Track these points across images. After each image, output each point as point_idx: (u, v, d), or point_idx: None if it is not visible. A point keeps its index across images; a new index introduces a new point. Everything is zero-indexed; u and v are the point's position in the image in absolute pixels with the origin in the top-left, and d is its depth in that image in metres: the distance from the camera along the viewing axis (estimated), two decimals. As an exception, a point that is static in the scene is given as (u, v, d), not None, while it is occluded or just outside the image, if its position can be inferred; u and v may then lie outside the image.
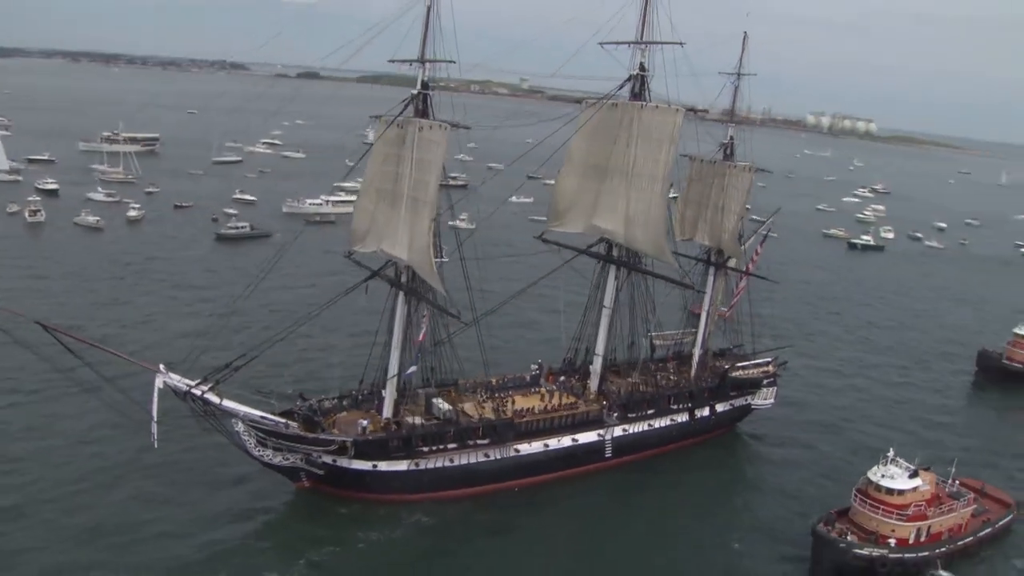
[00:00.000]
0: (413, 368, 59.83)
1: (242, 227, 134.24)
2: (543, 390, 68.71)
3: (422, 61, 55.65)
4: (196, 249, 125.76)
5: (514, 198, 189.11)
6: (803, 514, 62.42)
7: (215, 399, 52.52)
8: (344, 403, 61.49)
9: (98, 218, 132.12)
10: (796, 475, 70.43)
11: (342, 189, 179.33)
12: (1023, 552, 61.38)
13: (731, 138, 76.41)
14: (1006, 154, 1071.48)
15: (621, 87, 66.29)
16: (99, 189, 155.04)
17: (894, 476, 57.07)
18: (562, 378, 71.89)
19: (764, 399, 78.40)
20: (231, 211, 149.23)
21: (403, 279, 58.90)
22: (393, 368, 59.75)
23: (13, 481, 55.73)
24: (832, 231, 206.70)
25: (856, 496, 57.89)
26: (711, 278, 77.96)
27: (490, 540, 55.80)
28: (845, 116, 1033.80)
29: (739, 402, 76.99)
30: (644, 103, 65.68)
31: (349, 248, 62.34)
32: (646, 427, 69.16)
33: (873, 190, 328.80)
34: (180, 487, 56.86)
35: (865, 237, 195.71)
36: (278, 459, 55.38)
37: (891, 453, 58.86)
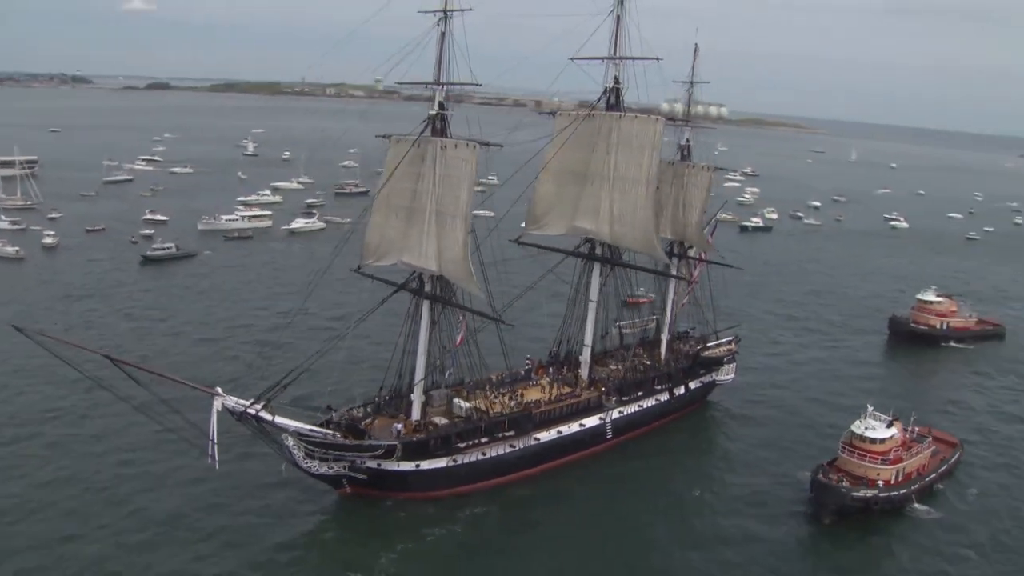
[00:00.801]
0: (451, 370, 63.71)
1: (168, 248, 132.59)
2: (543, 382, 73.64)
3: (439, 84, 59.49)
4: (127, 273, 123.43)
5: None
6: (783, 466, 71.20)
7: (268, 416, 55.04)
8: (368, 410, 64.55)
9: (16, 248, 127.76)
10: (766, 436, 78.60)
11: (247, 204, 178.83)
12: (973, 482, 71.36)
13: (688, 140, 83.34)
14: (844, 131, 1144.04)
15: (599, 100, 72.25)
16: (3, 217, 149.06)
17: (875, 427, 65.44)
18: (551, 370, 77.01)
19: (726, 375, 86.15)
20: (147, 231, 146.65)
21: (427, 288, 62.56)
22: (420, 373, 63.35)
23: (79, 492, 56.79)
24: (721, 215, 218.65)
25: (843, 447, 65.85)
26: (674, 269, 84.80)
27: (533, 523, 60.47)
28: (698, 101, 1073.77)
29: (707, 379, 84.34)
30: (622, 114, 71.66)
31: (360, 262, 65.53)
32: (637, 408, 75.26)
33: (744, 173, 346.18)
34: (236, 498, 59.01)
35: (755, 219, 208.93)
36: (324, 468, 58.03)
37: (870, 408, 67.31)
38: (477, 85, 59.62)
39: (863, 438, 65.18)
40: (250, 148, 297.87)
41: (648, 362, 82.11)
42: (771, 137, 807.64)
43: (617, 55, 71.23)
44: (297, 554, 54.41)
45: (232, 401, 53.58)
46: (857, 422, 66.76)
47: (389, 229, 62.78)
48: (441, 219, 59.81)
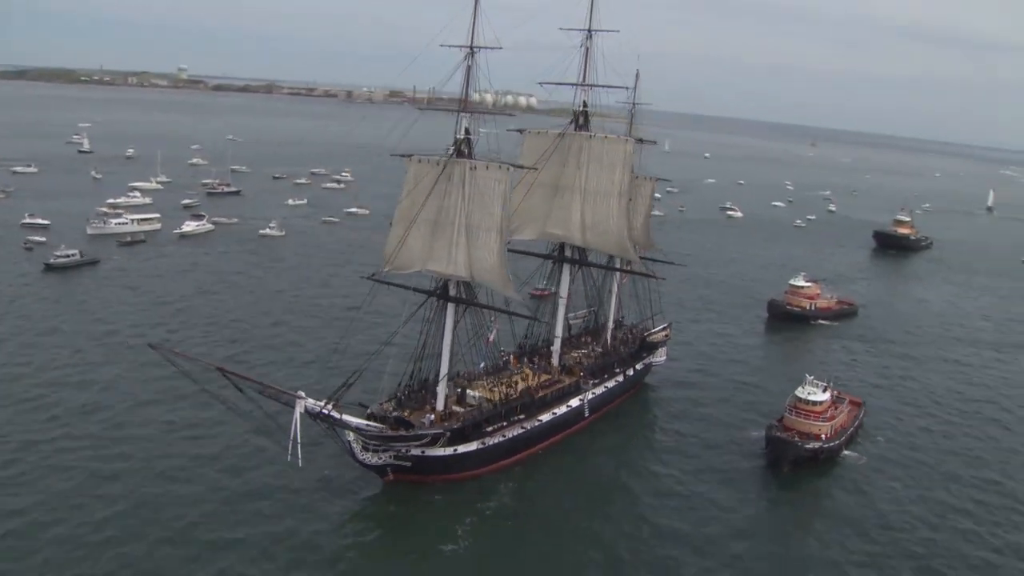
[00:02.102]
0: (483, 365, 71.77)
1: (71, 255, 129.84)
2: (527, 370, 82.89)
3: (465, 111, 67.44)
4: (30, 283, 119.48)
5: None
6: (728, 430, 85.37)
7: (337, 415, 61.60)
8: (393, 404, 71.53)
9: None
10: (701, 407, 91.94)
11: (116, 206, 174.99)
12: (877, 431, 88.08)
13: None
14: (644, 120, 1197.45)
15: (571, 122, 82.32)
16: None
17: (815, 392, 79.87)
18: (525, 360, 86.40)
19: (660, 357, 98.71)
20: (38, 238, 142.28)
21: (452, 292, 70.36)
22: (445, 368, 71.11)
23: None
24: None
25: (789, 409, 79.82)
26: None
27: (550, 492, 70.17)
28: (508, 92, 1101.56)
29: (647, 361, 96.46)
30: (592, 134, 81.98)
31: (379, 270, 72.20)
32: (603, 389, 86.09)
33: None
34: (312, 492, 64.88)
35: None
36: (374, 459, 64.97)
37: (809, 377, 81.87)
38: (510, 115, 67.45)
39: (806, 401, 79.51)
40: (85, 144, 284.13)
41: (599, 348, 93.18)
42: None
43: (586, 82, 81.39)
44: (361, 532, 61.54)
45: (312, 403, 59.73)
46: (800, 388, 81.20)
47: (412, 240, 69.74)
48: (473, 232, 67.68)
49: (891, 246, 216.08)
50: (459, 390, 74.02)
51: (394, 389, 71.98)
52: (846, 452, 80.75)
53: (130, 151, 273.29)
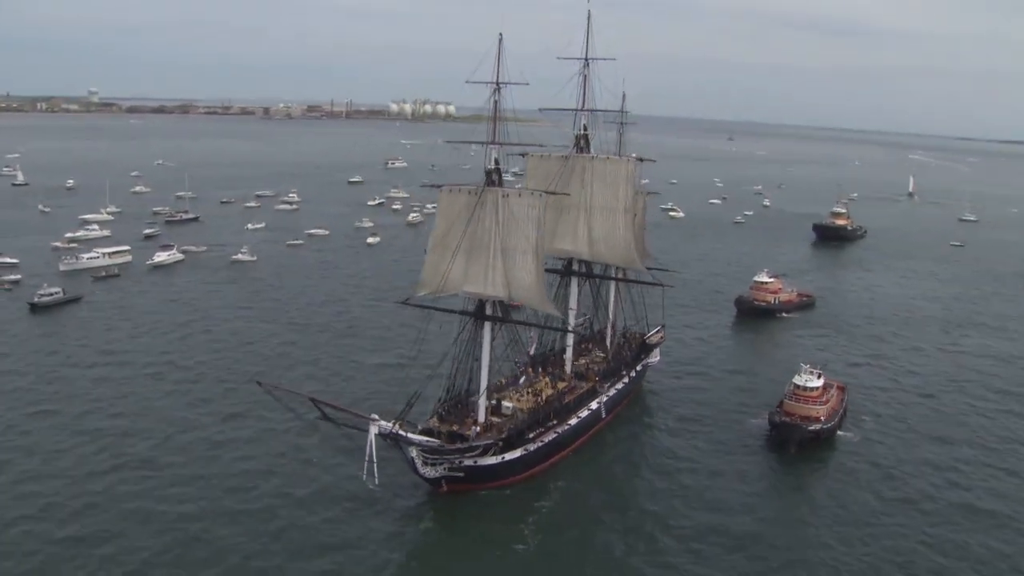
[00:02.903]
0: (523, 378, 76.75)
1: (55, 293, 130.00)
2: (545, 379, 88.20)
3: (495, 143, 72.57)
4: (20, 324, 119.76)
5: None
6: (729, 418, 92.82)
7: (404, 433, 66.22)
8: (436, 419, 76.04)
9: None
10: (699, 399, 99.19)
11: (75, 240, 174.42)
12: (862, 411, 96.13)
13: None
14: (556, 119, 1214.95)
15: (573, 147, 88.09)
16: None
17: (811, 379, 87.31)
18: (539, 368, 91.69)
19: (655, 358, 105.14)
20: (11, 277, 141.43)
21: (488, 311, 75.31)
22: (484, 382, 76.02)
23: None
24: None
25: (790, 395, 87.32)
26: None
27: (585, 489, 75.74)
28: (426, 101, 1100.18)
29: (645, 363, 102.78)
30: (595, 155, 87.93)
31: (414, 295, 76.98)
32: (614, 391, 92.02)
33: (516, 173, 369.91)
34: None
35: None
36: (432, 472, 69.57)
37: (806, 366, 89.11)
38: (522, 153, 72.73)
39: (804, 388, 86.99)
40: (20, 177, 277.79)
41: (601, 353, 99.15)
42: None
43: (585, 107, 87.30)
44: (444, 537, 66.71)
45: (384, 425, 64.24)
46: (796, 376, 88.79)
47: (449, 265, 74.41)
48: (509, 254, 72.73)
49: (830, 237, 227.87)
50: (493, 401, 78.88)
51: (434, 405, 76.55)
52: (840, 432, 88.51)
53: (70, 182, 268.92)
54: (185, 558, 60.38)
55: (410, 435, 66.63)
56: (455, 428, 73.22)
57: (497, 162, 73.50)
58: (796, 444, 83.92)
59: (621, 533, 67.88)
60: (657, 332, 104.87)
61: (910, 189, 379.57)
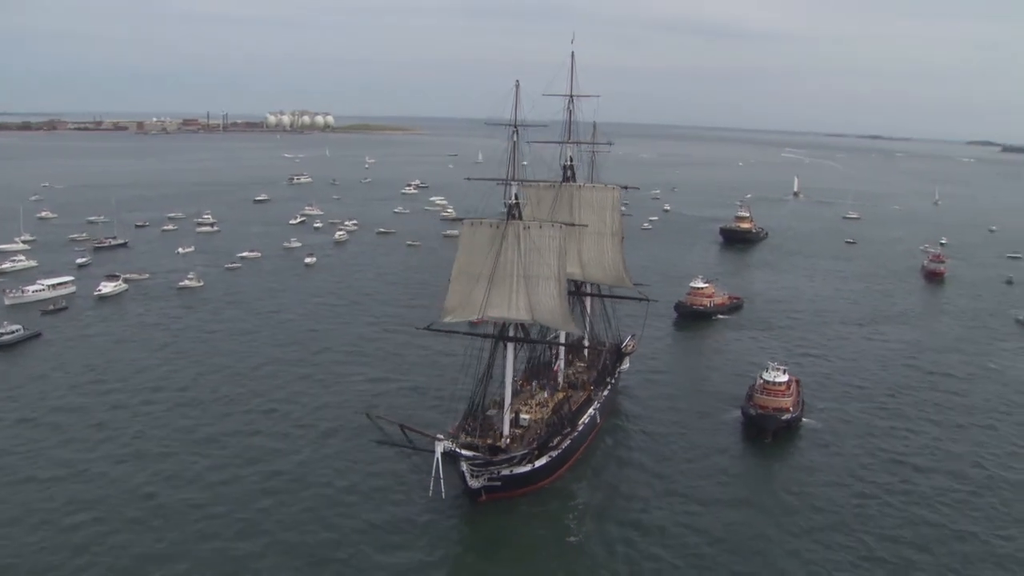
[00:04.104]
0: (547, 392, 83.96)
1: (16, 330, 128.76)
2: (539, 389, 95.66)
3: (515, 180, 79.82)
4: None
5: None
6: (700, 412, 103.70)
7: (459, 451, 72.83)
8: (463, 434, 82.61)
9: None
10: (669, 399, 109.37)
11: (4, 272, 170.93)
12: (815, 401, 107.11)
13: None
14: (439, 128, 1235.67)
15: (563, 178, 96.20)
16: None
17: (779, 374, 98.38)
18: (534, 380, 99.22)
19: (626, 365, 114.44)
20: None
21: (510, 333, 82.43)
22: (508, 398, 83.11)
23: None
24: (450, 232, 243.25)
25: (761, 390, 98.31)
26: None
27: (601, 487, 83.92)
28: (304, 112, 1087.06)
29: (620, 369, 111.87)
30: (581, 184, 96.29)
31: (438, 320, 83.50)
32: (604, 397, 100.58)
33: (417, 186, 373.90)
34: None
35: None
36: (475, 483, 76.26)
37: (773, 364, 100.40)
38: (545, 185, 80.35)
39: (774, 382, 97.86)
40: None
41: (582, 363, 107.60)
42: (390, 142, 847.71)
43: (571, 139, 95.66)
44: (512, 537, 74.35)
45: (448, 444, 70.80)
46: (766, 372, 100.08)
47: (471, 292, 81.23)
48: (532, 281, 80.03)
49: (736, 240, 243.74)
50: (514, 414, 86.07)
51: (460, 422, 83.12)
52: (805, 420, 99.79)
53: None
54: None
55: (464, 452, 73.09)
56: (489, 442, 79.96)
57: (517, 197, 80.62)
58: (771, 433, 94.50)
59: (638, 526, 75.83)
60: (630, 341, 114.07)
61: (795, 189, 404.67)
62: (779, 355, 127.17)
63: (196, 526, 72.62)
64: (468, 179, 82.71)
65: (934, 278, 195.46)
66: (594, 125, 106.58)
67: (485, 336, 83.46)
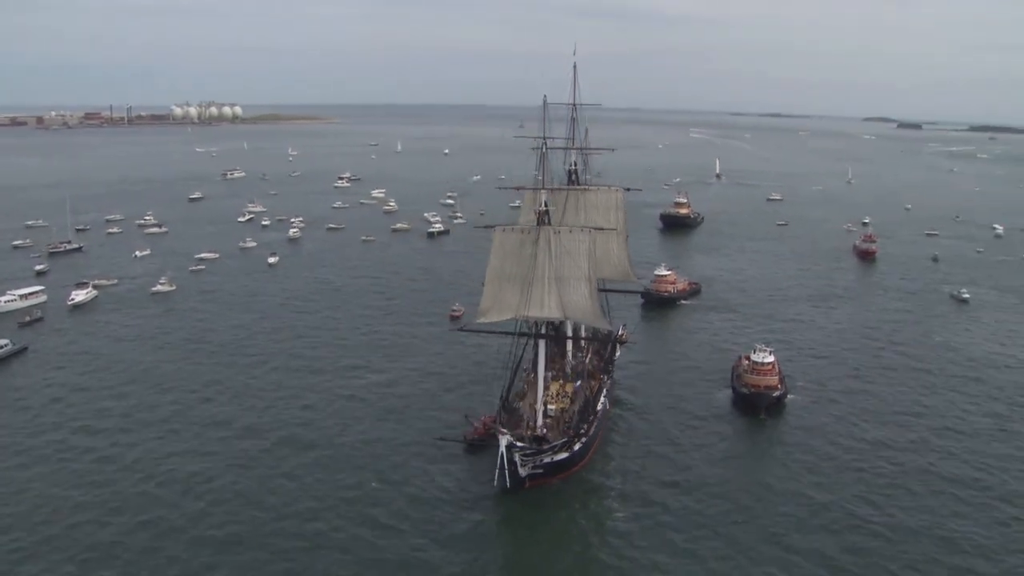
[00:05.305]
0: (579, 383, 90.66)
1: (3, 344, 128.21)
2: (561, 380, 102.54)
3: (545, 188, 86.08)
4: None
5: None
6: (691, 391, 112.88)
7: (515, 442, 79.15)
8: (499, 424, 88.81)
9: None
10: (659, 382, 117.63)
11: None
12: (796, 379, 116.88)
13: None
14: (352, 115, 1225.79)
15: (568, 181, 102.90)
16: None
17: (766, 355, 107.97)
18: (549, 373, 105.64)
19: (618, 353, 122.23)
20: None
21: (543, 331, 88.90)
22: (541, 392, 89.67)
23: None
24: (398, 225, 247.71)
25: (751, 369, 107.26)
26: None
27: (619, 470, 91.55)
28: (211, 103, 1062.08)
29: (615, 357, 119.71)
30: (586, 187, 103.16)
31: (472, 321, 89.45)
32: (608, 383, 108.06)
33: (349, 179, 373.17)
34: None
35: (437, 224, 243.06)
36: (523, 471, 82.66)
37: (759, 345, 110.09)
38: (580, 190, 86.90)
39: (762, 363, 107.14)
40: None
41: (580, 353, 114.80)
42: (300, 133, 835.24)
43: (576, 146, 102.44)
44: (572, 516, 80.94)
45: (509, 438, 77.10)
46: (754, 353, 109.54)
47: (503, 293, 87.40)
48: (564, 282, 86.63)
49: (676, 225, 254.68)
50: (543, 406, 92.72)
51: (496, 415, 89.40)
52: (790, 396, 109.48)
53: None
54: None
55: (517, 443, 79.48)
56: (531, 432, 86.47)
57: (546, 204, 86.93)
58: (764, 409, 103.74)
59: (665, 504, 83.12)
60: (623, 330, 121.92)
61: (717, 171, 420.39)
62: (745, 336, 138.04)
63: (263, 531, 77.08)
64: (499, 188, 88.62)
65: (867, 257, 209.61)
66: (586, 131, 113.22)
67: (520, 335, 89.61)
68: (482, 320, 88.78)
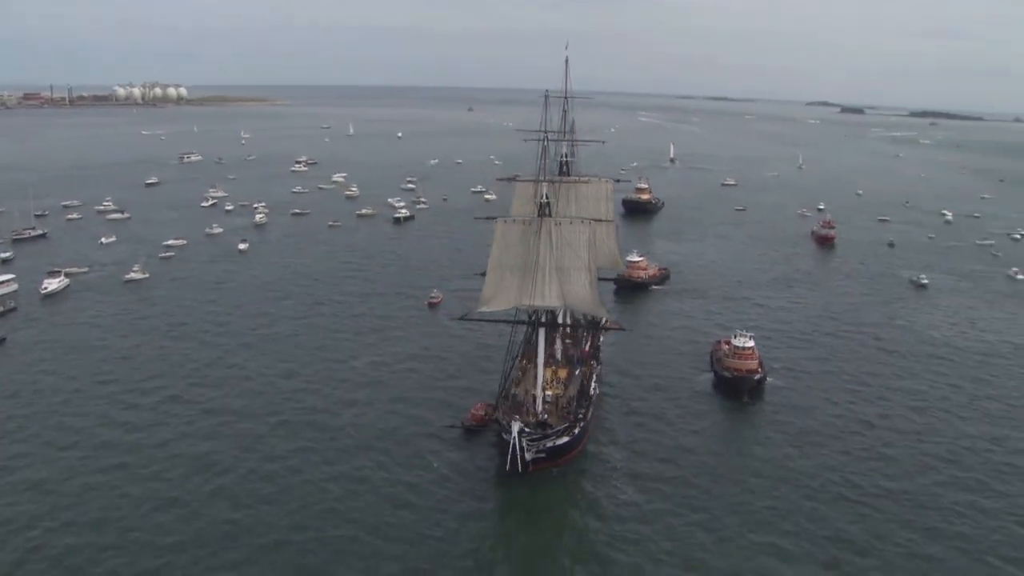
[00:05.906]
0: (578, 371, 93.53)
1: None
2: (553, 366, 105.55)
3: (546, 180, 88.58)
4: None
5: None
6: (674, 373, 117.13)
7: (524, 428, 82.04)
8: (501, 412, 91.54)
9: None
10: (643, 366, 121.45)
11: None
12: (772, 361, 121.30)
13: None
14: (299, 96, 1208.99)
15: (559, 172, 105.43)
16: None
17: (746, 340, 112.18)
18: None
19: (601, 339, 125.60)
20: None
21: (543, 319, 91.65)
22: (540, 379, 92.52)
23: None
24: (364, 211, 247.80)
25: (732, 354, 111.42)
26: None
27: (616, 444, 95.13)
28: (156, 84, 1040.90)
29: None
30: (577, 179, 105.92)
31: (474, 311, 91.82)
32: (599, 369, 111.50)
33: (306, 163, 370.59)
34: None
35: (403, 209, 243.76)
36: (529, 455, 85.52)
37: (740, 329, 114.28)
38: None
39: (743, 348, 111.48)
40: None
41: (568, 340, 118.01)
42: (258, 115, 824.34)
43: (568, 138, 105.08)
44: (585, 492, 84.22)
45: (519, 424, 79.84)
46: (734, 338, 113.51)
47: (505, 283, 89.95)
48: (564, 272, 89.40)
49: (638, 211, 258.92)
50: (542, 392, 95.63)
51: (496, 402, 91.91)
52: (770, 380, 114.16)
53: None
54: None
55: (525, 429, 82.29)
56: (534, 418, 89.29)
57: (547, 196, 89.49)
58: (746, 392, 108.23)
59: (662, 478, 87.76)
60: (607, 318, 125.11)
61: (671, 156, 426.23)
62: (717, 320, 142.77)
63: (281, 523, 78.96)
64: (499, 179, 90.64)
65: (825, 243, 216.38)
66: (573, 121, 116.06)
67: (519, 323, 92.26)
68: (484, 309, 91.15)
